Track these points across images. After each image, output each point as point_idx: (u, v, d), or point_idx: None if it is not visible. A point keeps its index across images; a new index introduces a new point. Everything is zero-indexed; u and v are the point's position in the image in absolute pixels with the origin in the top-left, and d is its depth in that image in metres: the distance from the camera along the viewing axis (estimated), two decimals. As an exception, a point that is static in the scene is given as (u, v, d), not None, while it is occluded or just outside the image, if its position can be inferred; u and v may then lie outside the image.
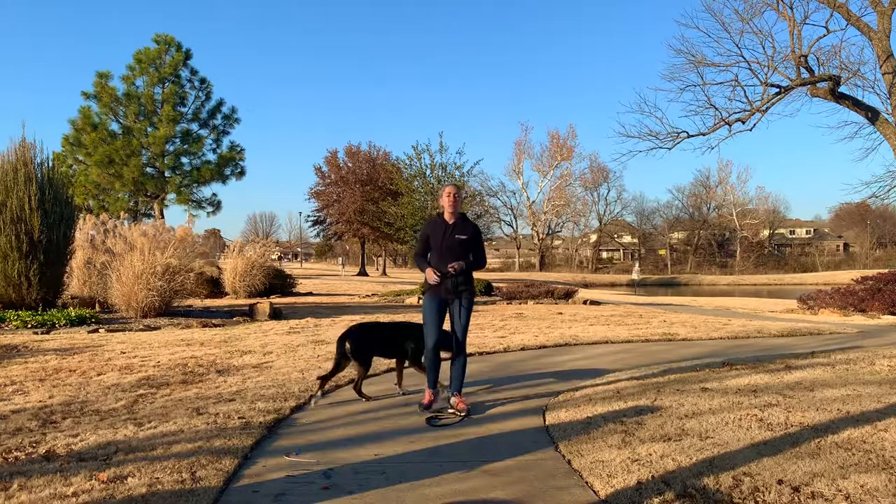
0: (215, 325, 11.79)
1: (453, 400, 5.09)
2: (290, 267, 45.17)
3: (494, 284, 23.88)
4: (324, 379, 5.59)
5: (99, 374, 6.72)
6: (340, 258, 72.28)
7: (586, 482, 3.45)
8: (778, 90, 16.86)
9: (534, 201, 76.64)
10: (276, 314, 13.37)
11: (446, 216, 5.17)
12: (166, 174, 28.37)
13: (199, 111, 29.09)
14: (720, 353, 8.01)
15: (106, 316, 12.66)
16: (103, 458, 3.83)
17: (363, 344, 5.46)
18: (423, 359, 5.34)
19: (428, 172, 22.20)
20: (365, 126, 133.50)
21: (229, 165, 29.40)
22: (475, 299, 5.32)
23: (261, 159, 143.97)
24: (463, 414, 4.92)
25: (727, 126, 17.51)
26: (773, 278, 62.90)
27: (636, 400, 5.23)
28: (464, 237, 5.09)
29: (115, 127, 27.97)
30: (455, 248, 5.07)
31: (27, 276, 12.14)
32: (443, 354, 5.25)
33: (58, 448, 4.06)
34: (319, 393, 5.52)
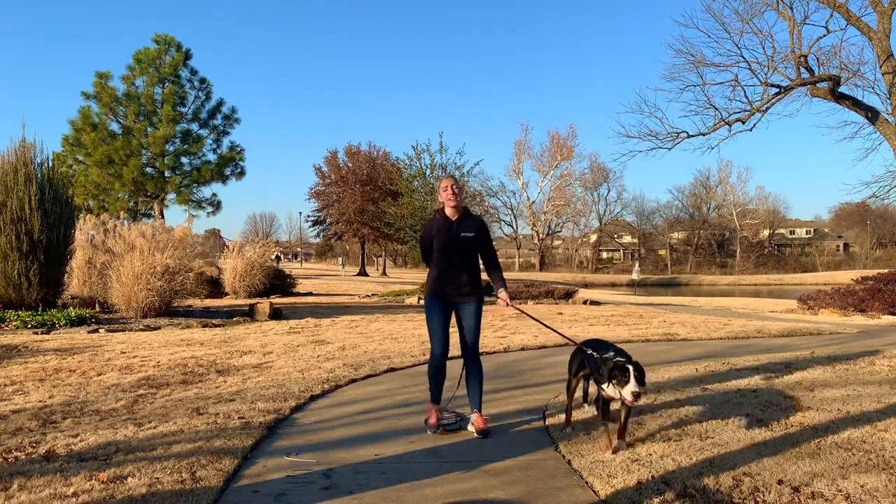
0: (215, 325, 11.79)
1: (473, 417, 4.56)
2: (290, 267, 45.20)
3: (494, 284, 23.85)
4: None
5: (99, 375, 6.72)
6: (340, 258, 72.31)
7: (586, 482, 3.45)
8: (778, 90, 16.85)
9: (534, 201, 76.67)
10: (276, 314, 13.37)
11: (448, 212, 4.67)
12: (166, 174, 28.36)
13: (199, 111, 29.07)
14: (720, 353, 8.01)
15: (106, 316, 12.66)
16: (103, 458, 3.83)
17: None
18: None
19: (428, 172, 22.19)
20: (365, 126, 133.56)
21: (229, 165, 29.38)
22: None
23: (261, 159, 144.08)
24: (482, 436, 4.41)
25: (727, 126, 17.49)
26: (773, 278, 62.91)
27: (636, 400, 5.22)
28: (470, 234, 4.61)
29: (114, 127, 27.95)
30: (461, 249, 4.60)
31: (27, 276, 12.14)
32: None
33: (58, 448, 4.06)
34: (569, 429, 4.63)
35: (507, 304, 4.78)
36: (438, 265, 4.66)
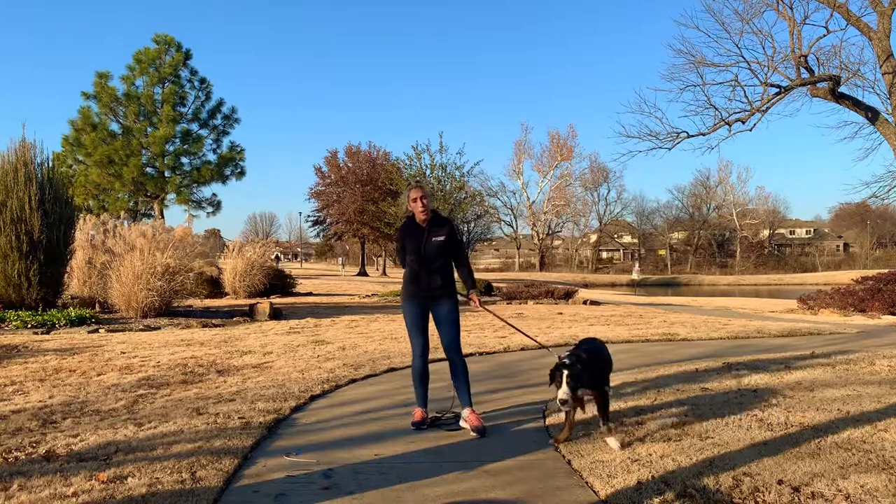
0: (215, 325, 11.79)
1: (465, 413, 4.61)
2: (290, 267, 45.22)
3: (494, 284, 23.89)
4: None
5: (99, 375, 6.72)
6: (340, 258, 72.28)
7: (586, 482, 3.45)
8: (778, 90, 16.87)
9: (534, 201, 76.76)
10: (276, 314, 13.37)
11: (418, 219, 4.78)
12: (166, 174, 28.37)
13: (198, 111, 29.09)
14: (720, 353, 8.01)
15: (106, 316, 12.67)
16: (103, 458, 3.83)
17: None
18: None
19: (428, 172, 22.17)
20: (365, 126, 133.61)
21: (229, 165, 29.40)
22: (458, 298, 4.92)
23: (261, 159, 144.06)
24: (478, 434, 4.41)
25: (727, 126, 17.52)
26: (773, 278, 62.91)
27: (636, 400, 5.23)
28: (441, 238, 4.73)
29: (114, 127, 27.97)
30: (433, 252, 4.72)
31: (27, 276, 12.14)
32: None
33: (58, 448, 4.06)
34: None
35: (478, 305, 4.88)
36: (413, 269, 4.76)
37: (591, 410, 4.79)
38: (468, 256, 4.97)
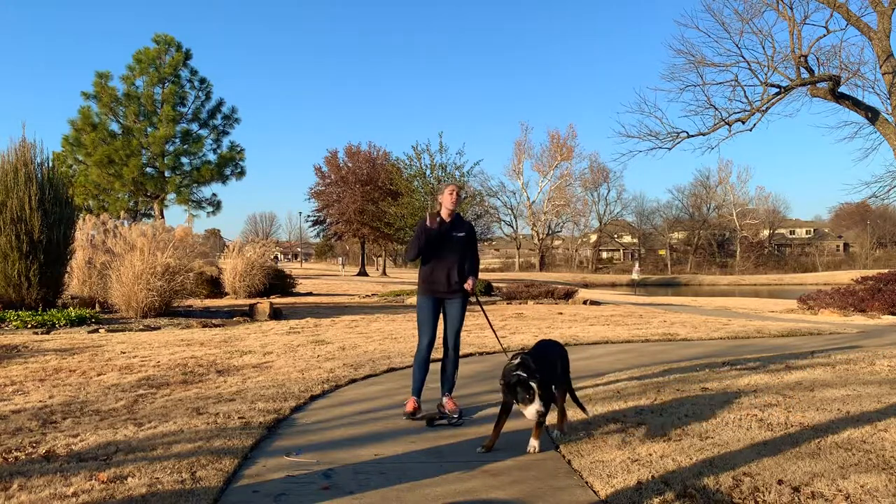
0: (215, 325, 11.79)
1: (444, 400, 5.02)
2: (290, 267, 45.20)
3: (494, 284, 23.89)
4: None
5: (99, 375, 6.72)
6: (340, 258, 72.32)
7: (586, 482, 3.45)
8: (778, 90, 16.87)
9: (534, 201, 76.79)
10: (276, 314, 13.37)
11: (444, 214, 5.11)
12: (166, 174, 28.35)
13: (198, 111, 29.06)
14: (720, 353, 8.01)
15: (106, 316, 12.66)
16: (103, 458, 3.83)
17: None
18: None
19: (428, 172, 22.19)
20: (365, 126, 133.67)
21: (229, 165, 29.38)
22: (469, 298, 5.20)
23: (261, 159, 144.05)
24: (456, 416, 4.82)
25: (727, 126, 17.52)
26: (773, 278, 62.93)
27: (636, 400, 5.23)
28: (461, 234, 5.08)
29: (114, 127, 27.93)
30: (454, 245, 5.03)
31: (27, 276, 12.13)
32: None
33: (58, 448, 4.06)
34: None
35: (471, 288, 5.12)
36: (431, 262, 5.05)
37: (592, 411, 4.79)
38: (477, 262, 5.29)
